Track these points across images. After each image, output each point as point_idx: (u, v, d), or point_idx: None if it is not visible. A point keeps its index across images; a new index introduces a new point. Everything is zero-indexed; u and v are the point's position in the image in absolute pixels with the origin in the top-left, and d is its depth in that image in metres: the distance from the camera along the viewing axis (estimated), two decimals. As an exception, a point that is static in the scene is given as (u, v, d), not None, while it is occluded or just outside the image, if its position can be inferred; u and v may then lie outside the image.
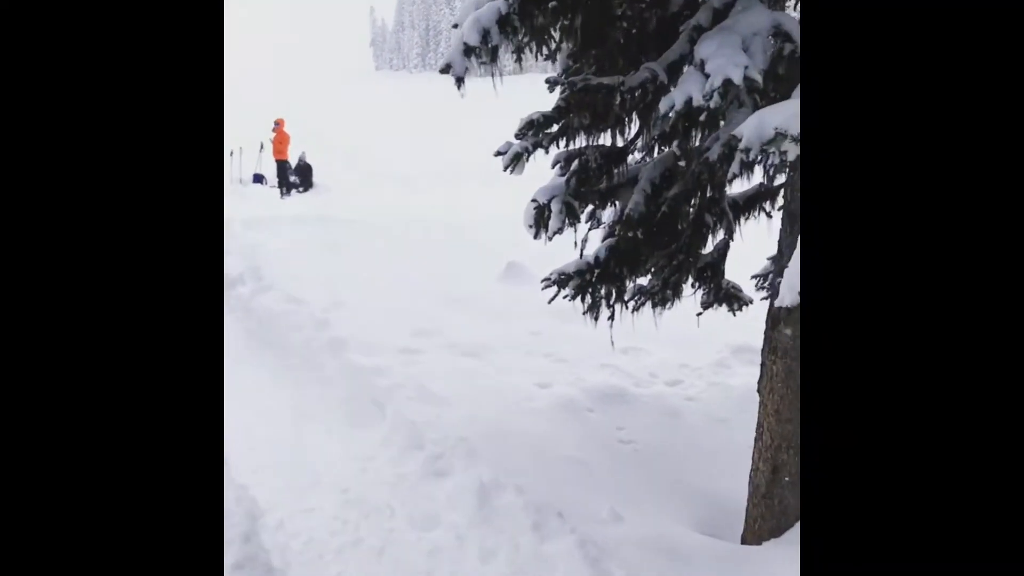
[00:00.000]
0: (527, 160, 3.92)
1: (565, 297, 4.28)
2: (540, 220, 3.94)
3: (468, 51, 3.46)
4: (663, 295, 4.51)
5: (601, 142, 3.98)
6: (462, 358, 5.02)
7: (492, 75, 3.72)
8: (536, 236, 3.97)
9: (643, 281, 4.56)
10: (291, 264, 6.60)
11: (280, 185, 16.41)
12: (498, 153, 3.96)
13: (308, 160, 17.46)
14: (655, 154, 4.23)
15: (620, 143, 4.01)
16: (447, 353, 5.06)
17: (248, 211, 11.11)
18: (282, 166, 16.43)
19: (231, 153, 16.83)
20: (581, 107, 3.66)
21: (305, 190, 17.05)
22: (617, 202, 4.17)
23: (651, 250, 4.20)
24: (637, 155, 4.27)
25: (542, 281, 4.24)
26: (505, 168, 3.87)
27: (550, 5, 3.42)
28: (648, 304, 4.60)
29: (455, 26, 3.60)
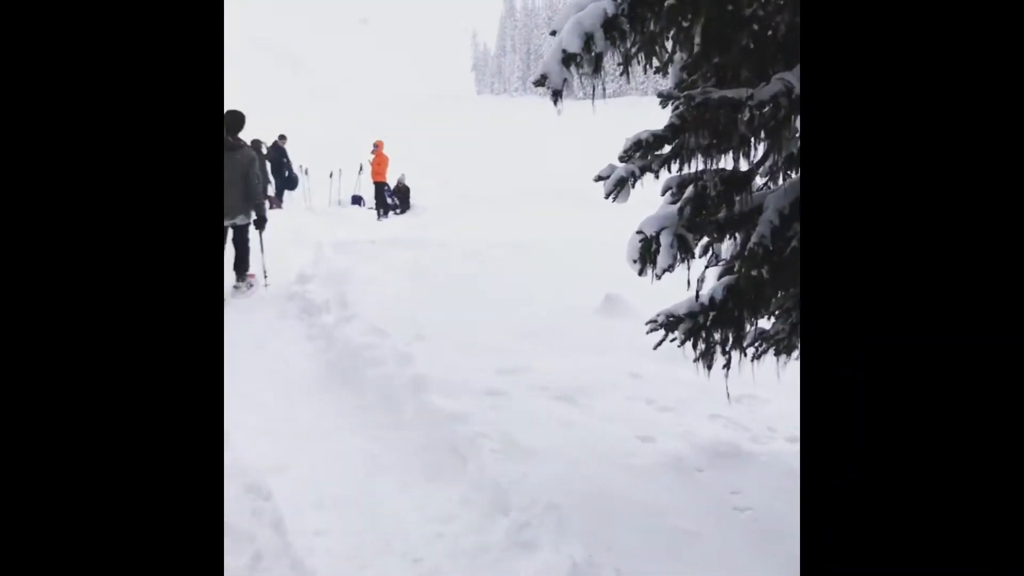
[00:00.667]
0: (633, 186, 3.41)
1: (673, 341, 3.75)
2: (646, 255, 3.41)
3: (567, 60, 2.99)
4: (789, 341, 3.90)
5: (721, 165, 3.43)
6: (553, 402, 4.52)
7: (594, 88, 3.24)
8: (641, 273, 3.45)
9: (765, 324, 3.97)
10: (378, 291, 6.29)
11: (377, 207, 16.44)
12: (599, 178, 3.46)
13: (407, 182, 17.48)
14: (784, 180, 3.65)
15: (744, 167, 3.46)
16: (537, 396, 4.57)
17: (342, 234, 11.02)
18: (380, 188, 16.46)
19: (331, 175, 17.01)
20: (700, 125, 3.13)
21: (402, 212, 17.05)
22: (738, 235, 3.61)
23: (776, 290, 3.62)
24: (762, 180, 3.71)
25: (647, 323, 3.71)
26: (607, 195, 3.37)
27: (666, 4, 2.91)
28: (771, 351, 4.00)
29: (553, 33, 3.13)
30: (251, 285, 7.13)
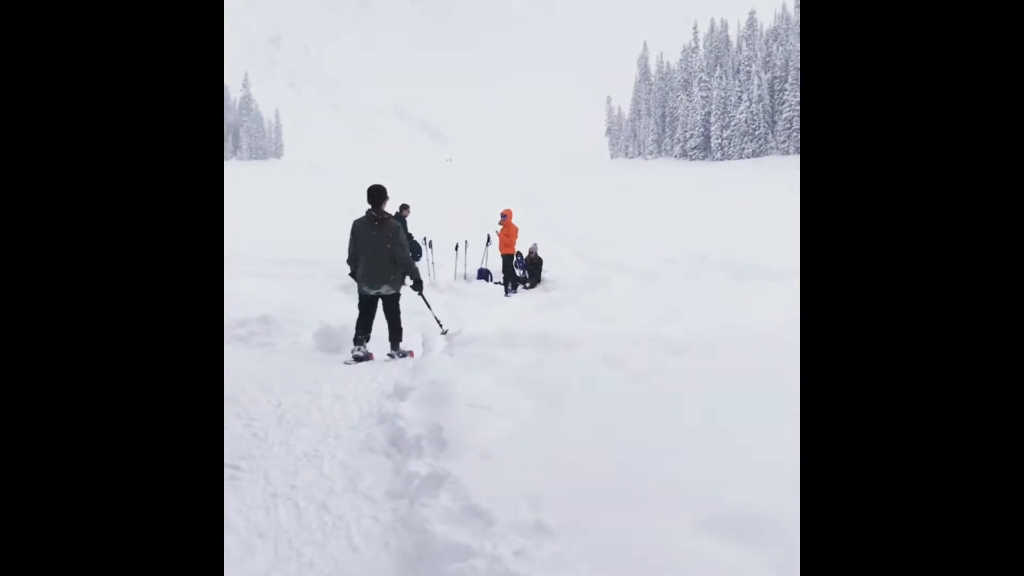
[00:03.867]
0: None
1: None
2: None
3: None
4: None
5: None
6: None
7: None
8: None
9: None
10: (488, 425, 4.52)
11: (505, 281, 14.94)
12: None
13: (540, 253, 15.97)
14: None
15: None
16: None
17: (459, 317, 9.47)
18: (508, 260, 14.97)
19: (456, 247, 15.74)
20: None
21: (532, 286, 15.49)
22: None
23: None
24: None
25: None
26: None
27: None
28: None
29: None
30: (404, 355, 7.22)
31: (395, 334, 7.37)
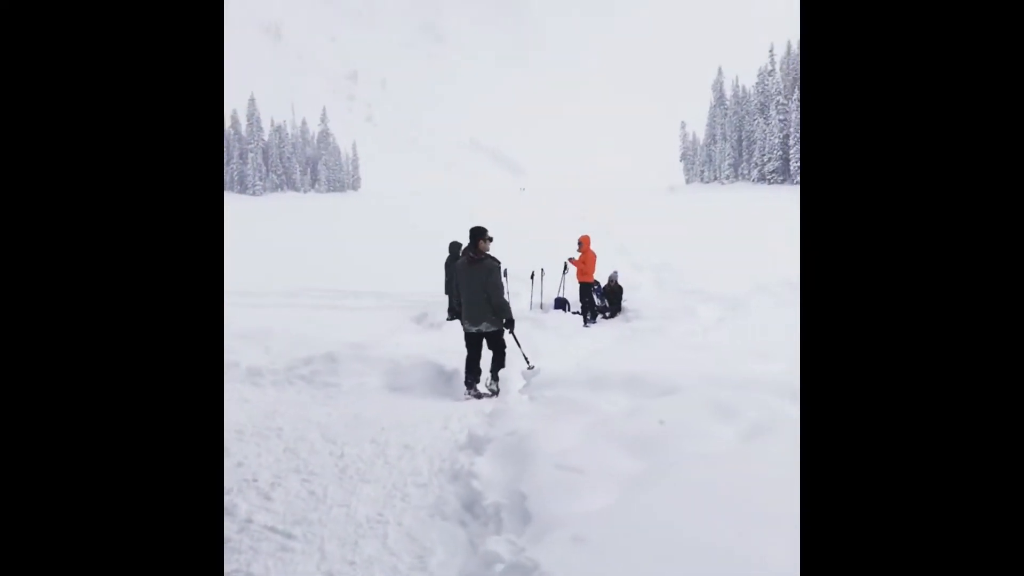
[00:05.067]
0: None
1: None
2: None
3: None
4: None
5: None
6: None
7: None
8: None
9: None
10: (579, 492, 3.76)
11: (583, 311, 14.19)
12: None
13: (620, 281, 15.17)
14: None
15: None
16: None
17: (537, 350, 8.77)
18: (586, 289, 14.22)
19: (532, 276, 15.10)
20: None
21: (612, 315, 14.69)
22: None
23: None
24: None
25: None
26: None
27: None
28: None
29: None
30: (496, 392, 7.24)
31: (496, 365, 7.49)
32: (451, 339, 11.33)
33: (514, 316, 7.63)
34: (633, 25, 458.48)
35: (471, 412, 6.04)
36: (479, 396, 7.23)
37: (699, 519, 3.21)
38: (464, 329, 7.53)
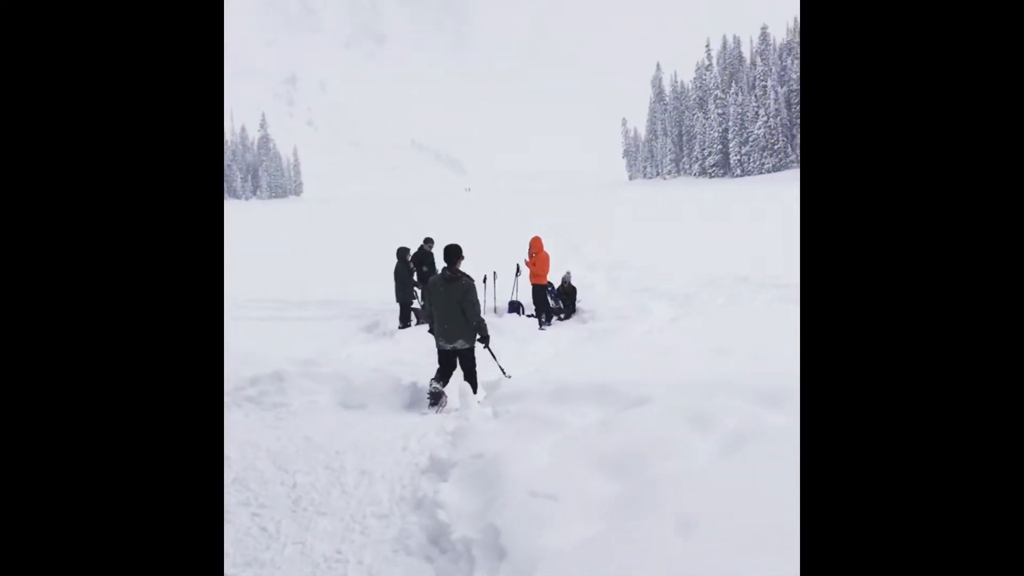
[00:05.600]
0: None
1: None
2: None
3: None
4: None
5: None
6: None
7: None
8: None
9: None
10: (556, 523, 3.46)
11: (538, 313, 13.96)
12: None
13: (573, 282, 14.96)
14: None
15: None
16: None
17: (501, 361, 8.48)
18: (540, 291, 14.00)
19: (484, 279, 14.81)
20: None
21: (567, 317, 14.49)
22: None
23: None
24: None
25: None
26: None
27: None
28: None
29: None
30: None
31: (472, 386, 7.37)
32: (405, 349, 10.99)
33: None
34: (571, 24, 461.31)
35: (431, 430, 5.71)
36: (436, 395, 7.29)
37: (689, 550, 2.96)
38: (438, 347, 7.60)
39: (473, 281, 7.48)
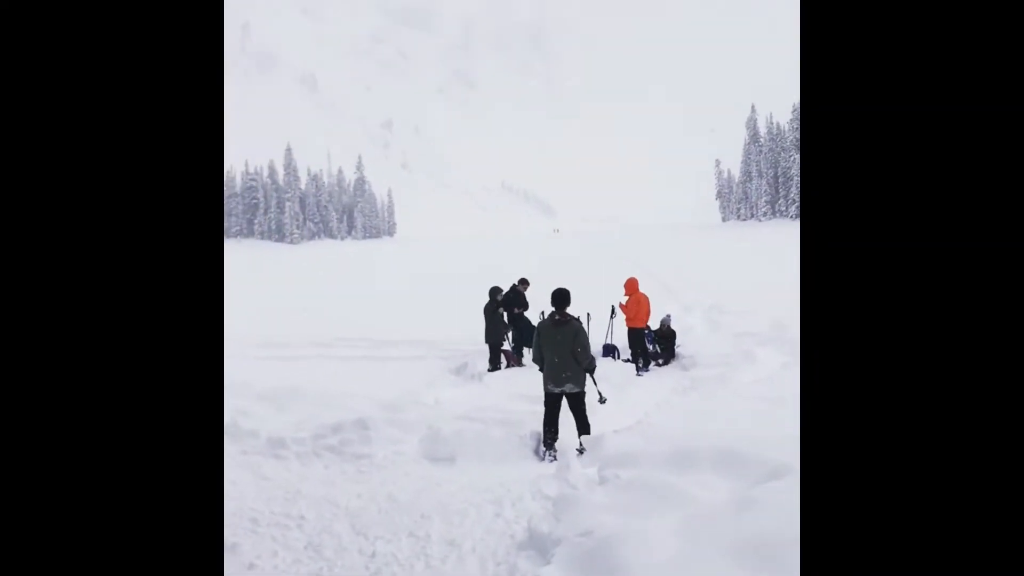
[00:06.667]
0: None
1: None
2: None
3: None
4: None
5: None
6: None
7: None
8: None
9: None
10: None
11: (635, 358, 13.15)
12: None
13: (673, 325, 14.09)
14: None
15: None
16: None
17: (591, 407, 7.75)
18: (637, 335, 13.19)
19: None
20: None
21: (666, 362, 13.61)
22: None
23: None
24: None
25: None
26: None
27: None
28: None
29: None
30: (583, 450, 6.93)
31: (582, 428, 7.49)
32: (495, 393, 10.38)
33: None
34: (661, 68, 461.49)
35: (527, 492, 5.04)
36: (555, 458, 7.04)
37: None
38: (546, 390, 7.52)
39: (582, 324, 7.42)
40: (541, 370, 7.65)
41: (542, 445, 7.28)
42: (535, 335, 7.76)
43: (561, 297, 7.42)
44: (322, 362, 14.00)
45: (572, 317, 7.46)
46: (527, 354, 13.55)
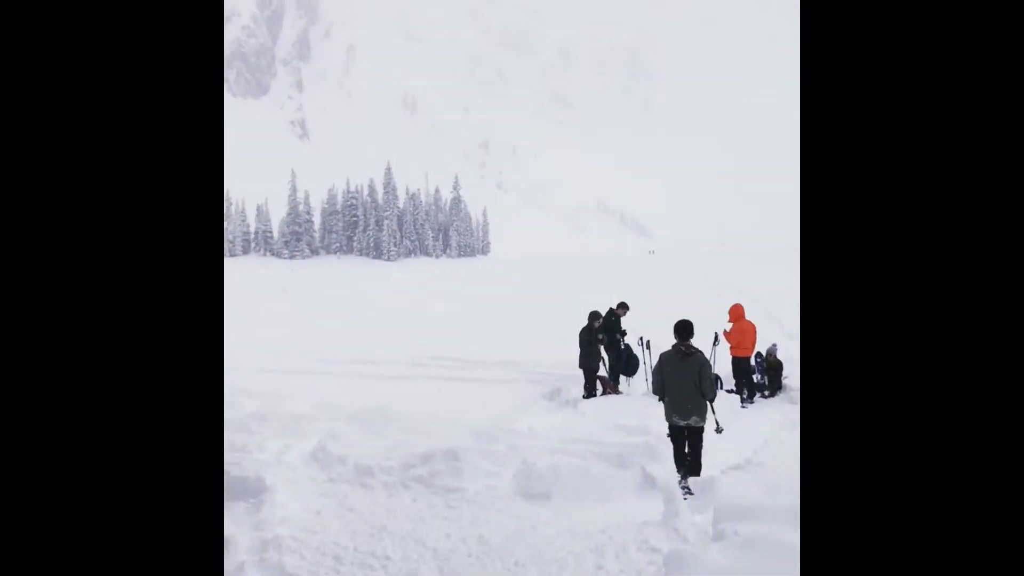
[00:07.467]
0: None
1: None
2: None
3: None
4: None
5: None
6: None
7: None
8: None
9: None
10: None
11: (739, 389, 12.44)
12: None
13: (779, 355, 13.28)
14: None
15: None
16: None
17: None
18: (743, 364, 12.48)
19: (678, 348, 13.44)
20: None
21: (772, 394, 12.84)
22: None
23: None
24: None
25: None
26: None
27: None
28: None
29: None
30: (691, 493, 6.88)
31: (694, 468, 7.45)
32: (591, 423, 9.91)
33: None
34: (760, 91, 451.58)
35: (631, 542, 4.57)
36: (690, 491, 6.95)
37: None
38: (671, 423, 7.51)
39: (706, 356, 7.45)
40: (662, 400, 7.58)
41: (679, 482, 7.17)
42: (656, 366, 7.67)
43: (685, 329, 7.42)
44: (412, 383, 13.87)
45: (697, 350, 7.45)
46: (623, 381, 13.03)
